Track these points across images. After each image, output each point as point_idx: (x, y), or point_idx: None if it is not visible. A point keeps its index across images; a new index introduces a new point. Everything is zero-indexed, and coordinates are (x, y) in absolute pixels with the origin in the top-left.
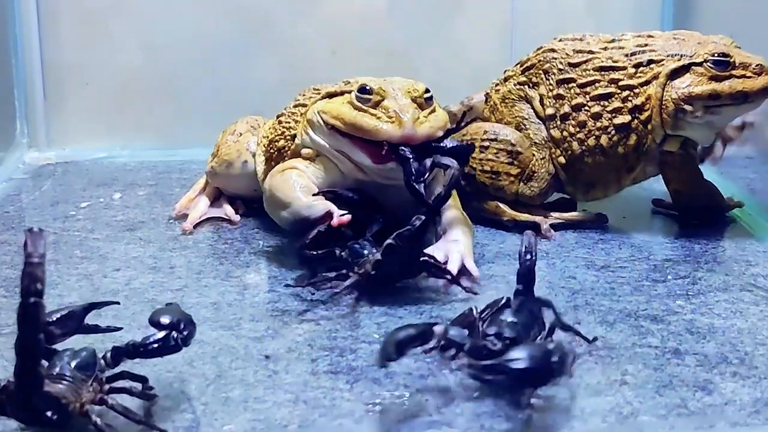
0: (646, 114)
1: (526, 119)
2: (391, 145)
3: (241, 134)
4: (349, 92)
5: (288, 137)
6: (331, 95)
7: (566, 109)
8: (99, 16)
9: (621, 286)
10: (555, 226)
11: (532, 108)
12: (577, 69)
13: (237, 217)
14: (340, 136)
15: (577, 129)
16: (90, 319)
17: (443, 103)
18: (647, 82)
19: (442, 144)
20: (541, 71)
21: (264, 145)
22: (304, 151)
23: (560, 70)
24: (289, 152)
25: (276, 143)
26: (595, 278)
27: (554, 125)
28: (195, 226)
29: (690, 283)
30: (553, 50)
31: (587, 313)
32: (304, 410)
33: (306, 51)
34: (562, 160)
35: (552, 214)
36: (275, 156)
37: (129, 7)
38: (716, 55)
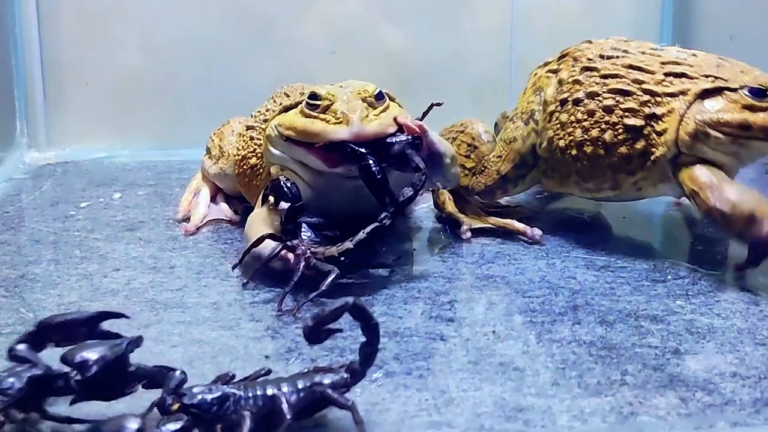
0: (663, 126)
1: (525, 113)
2: (344, 146)
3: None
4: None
5: (260, 155)
6: (287, 108)
7: (580, 95)
8: (99, 16)
9: (621, 286)
10: (482, 231)
11: (543, 98)
12: (606, 61)
13: (236, 217)
14: (296, 146)
15: (585, 116)
16: None
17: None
18: (673, 95)
19: (393, 140)
20: (571, 58)
21: (236, 160)
22: (272, 168)
23: (589, 59)
24: (262, 171)
25: (248, 160)
26: (595, 278)
27: (565, 110)
28: (197, 228)
29: (690, 283)
30: (590, 42)
31: (587, 313)
32: None
33: (306, 51)
34: (561, 143)
35: (489, 219)
36: (248, 173)
37: (129, 7)
38: (755, 83)
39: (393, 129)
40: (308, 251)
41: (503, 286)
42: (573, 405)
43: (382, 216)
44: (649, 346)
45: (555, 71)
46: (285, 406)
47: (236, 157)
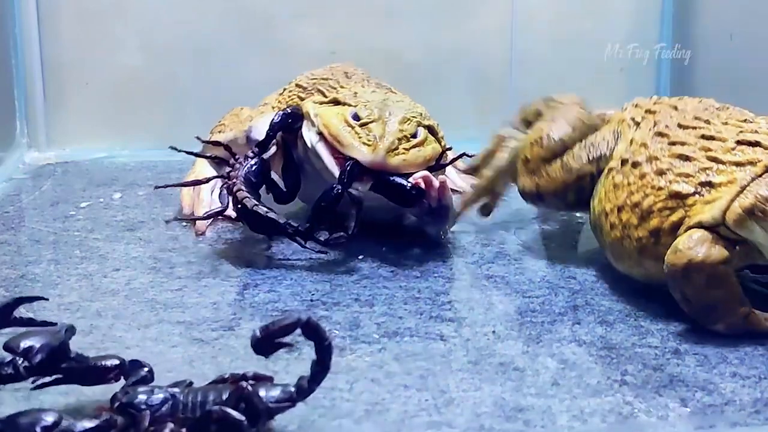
0: (715, 195)
1: (594, 149)
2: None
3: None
4: (352, 105)
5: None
6: (336, 102)
7: (640, 158)
8: (99, 16)
9: (621, 286)
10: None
11: (614, 145)
12: (679, 130)
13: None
14: (323, 141)
15: (635, 179)
16: (92, 318)
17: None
18: (740, 164)
19: (394, 178)
20: (653, 117)
21: (277, 109)
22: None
23: (667, 126)
24: None
25: None
26: (595, 278)
27: (621, 170)
28: (206, 227)
29: None
30: (676, 108)
31: (587, 313)
32: (304, 411)
33: (306, 51)
34: (608, 206)
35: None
36: None
37: (129, 7)
38: None
39: (415, 169)
40: (236, 184)
41: (503, 286)
42: (573, 405)
43: (303, 240)
44: (649, 346)
45: (637, 123)
46: (222, 416)
47: (278, 106)
